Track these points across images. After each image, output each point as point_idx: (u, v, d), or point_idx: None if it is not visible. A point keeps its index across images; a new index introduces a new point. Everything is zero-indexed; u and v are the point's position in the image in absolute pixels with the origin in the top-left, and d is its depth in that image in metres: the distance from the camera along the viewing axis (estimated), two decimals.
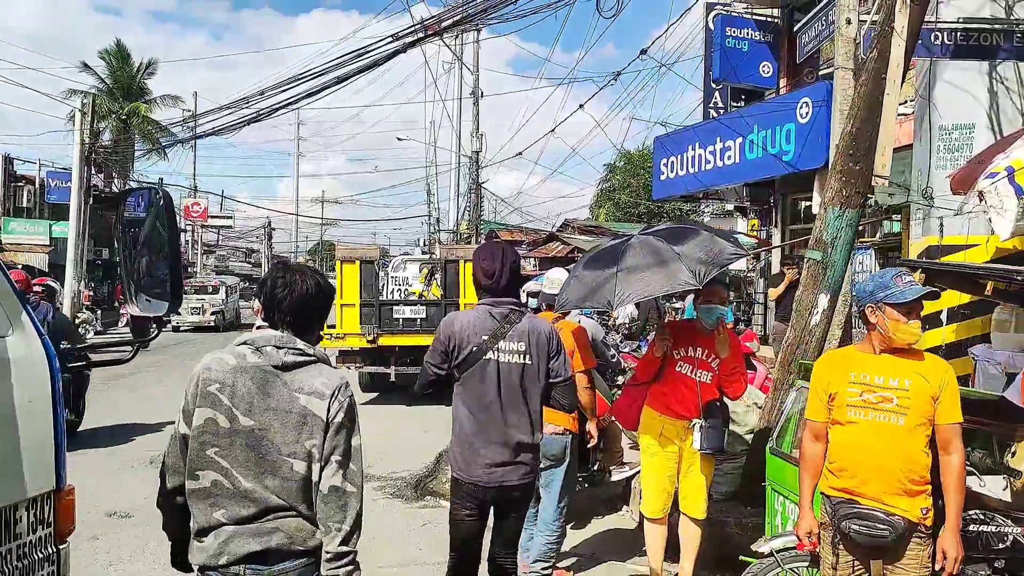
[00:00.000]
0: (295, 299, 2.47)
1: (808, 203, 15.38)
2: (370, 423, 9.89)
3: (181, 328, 27.34)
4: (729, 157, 13.80)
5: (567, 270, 5.54)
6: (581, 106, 19.21)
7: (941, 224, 7.08)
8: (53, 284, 10.48)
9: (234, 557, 2.31)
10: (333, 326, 12.13)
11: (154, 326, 2.41)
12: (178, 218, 44.31)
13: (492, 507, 3.61)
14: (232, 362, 2.41)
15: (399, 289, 14.72)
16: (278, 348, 2.41)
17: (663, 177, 16.22)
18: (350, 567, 2.34)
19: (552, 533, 4.79)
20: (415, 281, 15.30)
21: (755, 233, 19.16)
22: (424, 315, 12.42)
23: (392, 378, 12.51)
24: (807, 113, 11.74)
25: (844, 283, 6.09)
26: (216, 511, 2.34)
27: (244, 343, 2.46)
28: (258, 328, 2.91)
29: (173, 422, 2.50)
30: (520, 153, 33.56)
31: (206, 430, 2.37)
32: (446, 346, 3.53)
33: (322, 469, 2.34)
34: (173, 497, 2.49)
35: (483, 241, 32.28)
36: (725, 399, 4.85)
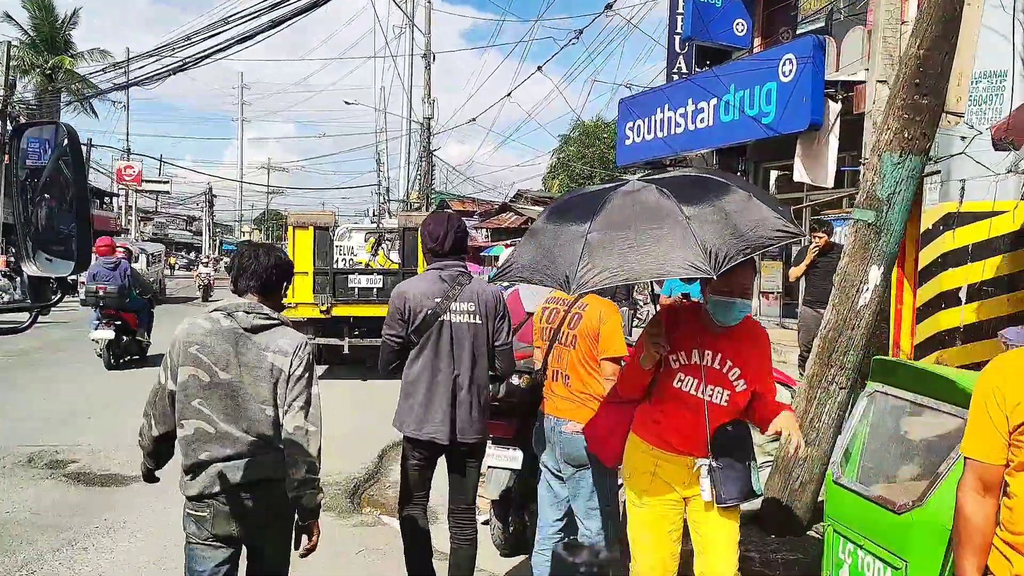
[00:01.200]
0: (260, 269, 2.95)
1: (785, 172, 14.55)
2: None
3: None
4: (702, 120, 12.84)
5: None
6: (539, 68, 18.07)
7: (963, 188, 6.17)
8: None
9: (222, 488, 2.74)
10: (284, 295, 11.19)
11: (56, 289, 2.08)
12: (110, 181, 42.06)
13: (446, 461, 3.80)
14: (207, 326, 2.84)
15: (343, 259, 13.64)
16: (247, 313, 2.86)
17: (628, 142, 15.22)
18: (313, 491, 2.76)
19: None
20: (361, 251, 14.19)
21: None
22: (381, 284, 11.53)
23: (346, 350, 11.75)
24: (790, 71, 10.80)
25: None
26: (202, 452, 2.76)
27: (216, 310, 2.89)
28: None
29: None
30: (474, 119, 32.14)
31: (189, 384, 2.79)
32: (402, 313, 3.67)
33: (286, 413, 2.78)
34: (158, 442, 2.91)
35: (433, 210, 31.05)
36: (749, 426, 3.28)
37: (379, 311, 11.00)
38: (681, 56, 15.80)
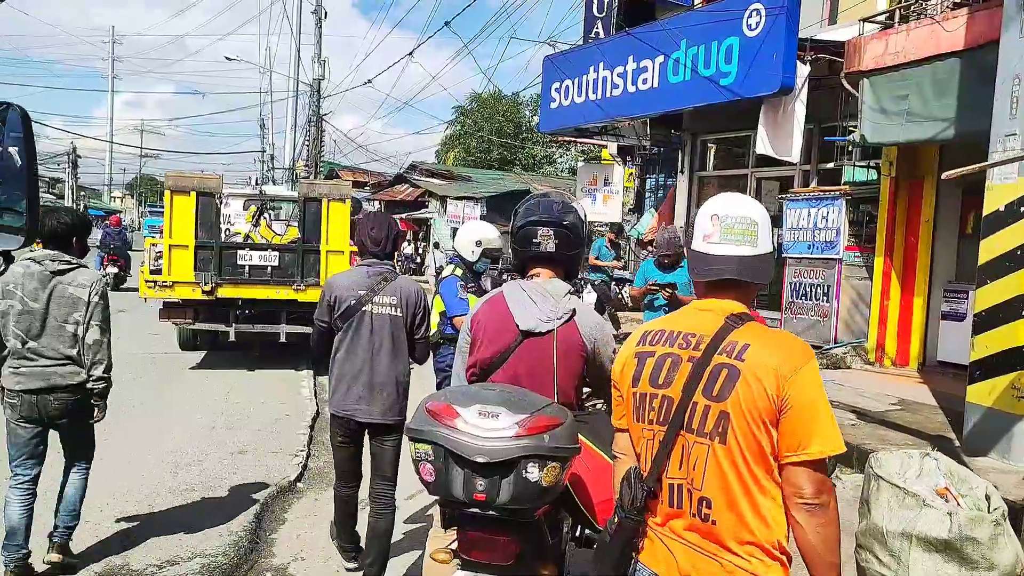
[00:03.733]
0: (57, 228, 3.86)
1: (736, 147, 13.17)
2: (176, 415, 6.67)
3: None
4: (645, 81, 11.18)
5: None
6: (447, 23, 16.00)
7: None
8: None
9: (27, 388, 3.75)
10: (159, 271, 9.33)
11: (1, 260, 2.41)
12: None
13: (368, 438, 4.05)
14: (20, 270, 3.78)
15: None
16: (52, 260, 3.84)
17: (554, 105, 13.44)
18: (104, 384, 3.89)
19: None
20: (240, 220, 11.91)
21: (633, 183, 16.89)
22: (276, 262, 9.45)
23: (232, 337, 9.79)
24: (758, 23, 9.25)
25: None
26: (15, 360, 3.77)
27: (27, 259, 3.82)
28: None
29: None
30: (370, 81, 29.50)
31: (8, 312, 3.76)
32: (330, 302, 3.99)
33: (86, 330, 3.83)
34: None
35: (321, 180, 28.67)
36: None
37: (273, 293, 9.29)
38: (599, 21, 14.22)
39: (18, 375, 3.73)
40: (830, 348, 8.65)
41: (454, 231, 30.28)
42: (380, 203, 36.31)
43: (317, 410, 7.77)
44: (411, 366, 4.06)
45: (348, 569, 4.12)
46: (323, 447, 6.57)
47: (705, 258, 1.91)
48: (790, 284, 9.53)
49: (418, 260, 30.35)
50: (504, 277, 6.50)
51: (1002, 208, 5.03)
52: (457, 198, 30.05)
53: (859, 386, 7.57)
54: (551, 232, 2.79)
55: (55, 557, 3.90)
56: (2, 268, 2.05)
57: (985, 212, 5.19)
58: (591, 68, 12.34)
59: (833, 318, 8.81)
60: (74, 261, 3.85)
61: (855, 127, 9.06)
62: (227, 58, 46.78)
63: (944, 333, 8.15)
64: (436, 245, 26.78)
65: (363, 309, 3.91)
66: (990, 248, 5.12)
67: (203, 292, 9.19)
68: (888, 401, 7.20)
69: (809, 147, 10.49)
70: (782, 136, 9.46)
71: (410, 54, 19.54)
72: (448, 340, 5.12)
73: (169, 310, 9.67)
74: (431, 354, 4.50)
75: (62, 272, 3.80)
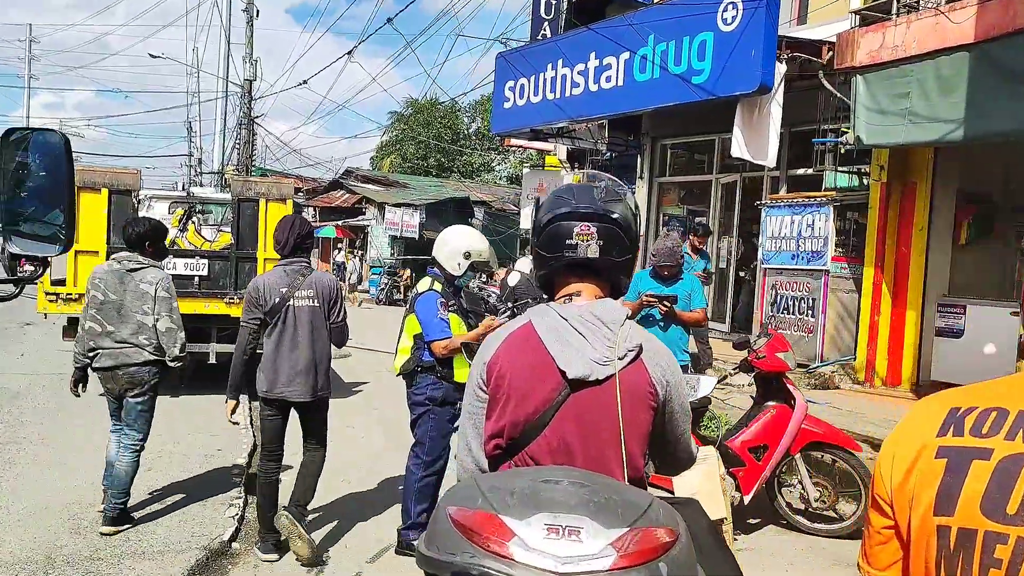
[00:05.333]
0: (130, 234, 4.81)
1: (698, 152, 12.53)
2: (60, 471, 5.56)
3: None
4: (608, 79, 10.49)
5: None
6: (389, 20, 15.41)
7: None
8: None
9: (104, 366, 4.63)
10: (63, 282, 8.24)
11: (38, 267, 2.40)
12: None
13: (298, 415, 4.60)
14: (105, 267, 4.85)
15: None
16: (128, 260, 4.75)
17: (507, 105, 12.65)
18: (180, 362, 4.76)
19: None
20: (166, 224, 10.74)
21: None
22: (206, 272, 8.36)
23: None
24: (734, 18, 8.64)
25: None
26: (90, 341, 4.66)
27: (111, 259, 4.95)
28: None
29: None
30: (305, 81, 28.12)
31: (91, 302, 4.69)
32: (257, 301, 4.44)
33: (158, 320, 4.67)
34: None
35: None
36: None
37: (202, 307, 8.21)
38: (547, 24, 13.50)
39: (99, 356, 4.65)
40: (817, 367, 8.04)
41: (392, 239, 29.38)
42: (315, 209, 34.94)
43: (255, 443, 6.77)
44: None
45: (266, 560, 4.33)
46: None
47: None
48: (769, 297, 8.91)
49: (348, 269, 29.08)
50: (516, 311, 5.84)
51: None
52: (396, 205, 29.00)
53: (855, 410, 6.96)
54: (593, 229, 1.92)
55: (107, 529, 4.53)
56: (40, 274, 2.17)
57: None
58: (549, 65, 11.61)
59: (819, 334, 8.20)
60: (144, 261, 4.76)
61: (836, 129, 8.50)
62: (151, 55, 44.44)
63: (939, 351, 7.59)
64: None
65: (287, 304, 4.41)
66: None
67: None
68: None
69: (780, 151, 9.93)
70: (758, 138, 8.86)
71: (349, 53, 18.49)
72: (425, 369, 4.26)
73: (75, 328, 8.45)
74: (408, 385, 4.48)
75: (133, 270, 4.72)
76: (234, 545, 4.53)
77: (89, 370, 4.67)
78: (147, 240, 4.76)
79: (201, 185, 32.89)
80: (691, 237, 8.94)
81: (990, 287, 8.02)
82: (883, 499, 1.13)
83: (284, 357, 4.37)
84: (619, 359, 1.85)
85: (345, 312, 4.60)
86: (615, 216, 1.91)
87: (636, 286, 5.46)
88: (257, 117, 30.55)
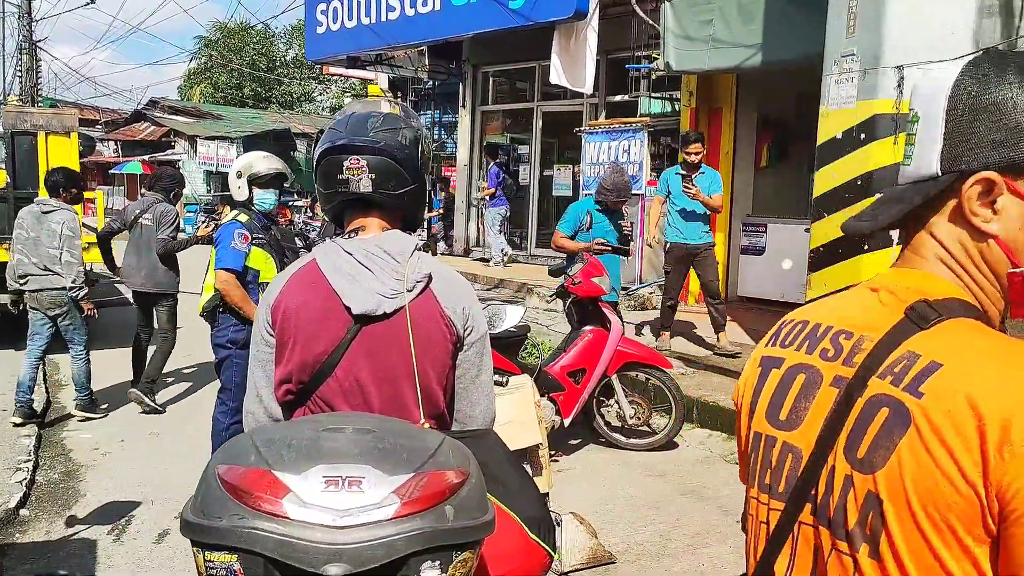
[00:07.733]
0: (47, 180, 5.93)
1: (520, 80, 12.43)
2: None
3: None
4: (425, 3, 10.14)
5: None
6: None
7: (902, 78, 4.38)
8: None
9: (31, 288, 5.61)
10: None
11: None
12: None
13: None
14: (27, 209, 5.82)
15: None
16: (43, 203, 5.79)
17: (320, 30, 12.00)
18: (81, 287, 5.64)
19: None
20: None
21: None
22: None
23: None
24: None
25: None
26: (19, 269, 5.63)
27: (34, 201, 6.00)
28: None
29: None
30: (92, 1, 25.37)
31: (17, 237, 5.70)
32: (123, 216, 6.25)
33: (62, 252, 5.57)
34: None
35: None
36: None
37: None
38: None
39: (24, 283, 5.60)
40: (636, 288, 8.36)
41: (208, 174, 27.60)
42: (117, 143, 32.17)
43: (48, 399, 6.20)
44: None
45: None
46: (57, 451, 5.13)
47: None
48: None
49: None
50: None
51: (839, 135, 4.69)
52: (209, 138, 27.22)
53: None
54: (364, 162, 1.78)
55: (79, 414, 5.80)
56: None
57: (820, 140, 4.85)
58: None
59: (637, 257, 8.49)
60: (55, 204, 5.73)
61: (649, 56, 8.68)
62: None
63: (744, 267, 8.08)
64: None
65: (139, 221, 6.14)
66: (826, 179, 4.80)
67: None
68: (705, 344, 6.97)
69: (597, 79, 10.05)
70: (576, 65, 8.91)
71: None
72: (227, 309, 3.99)
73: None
74: (210, 326, 4.28)
75: (47, 212, 5.67)
76: (22, 512, 4.12)
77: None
78: (60, 187, 5.77)
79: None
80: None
81: (787, 207, 8.59)
82: (736, 409, 1.17)
83: (137, 260, 6.18)
84: (408, 291, 1.74)
85: (169, 229, 6.13)
86: (387, 148, 1.78)
87: (579, 216, 5.47)
88: (39, 41, 27.53)
